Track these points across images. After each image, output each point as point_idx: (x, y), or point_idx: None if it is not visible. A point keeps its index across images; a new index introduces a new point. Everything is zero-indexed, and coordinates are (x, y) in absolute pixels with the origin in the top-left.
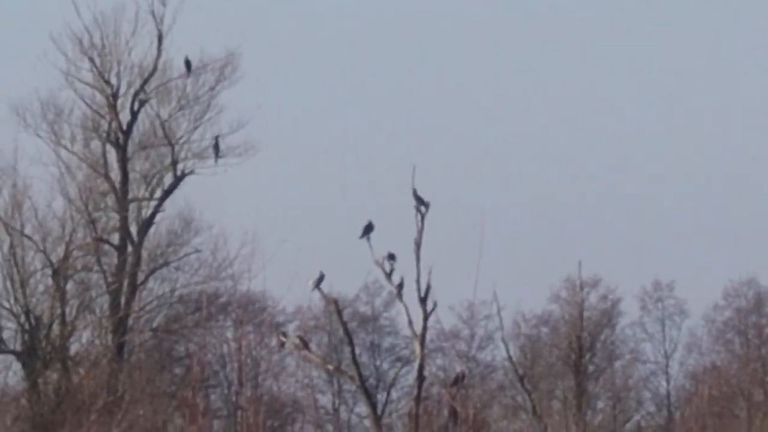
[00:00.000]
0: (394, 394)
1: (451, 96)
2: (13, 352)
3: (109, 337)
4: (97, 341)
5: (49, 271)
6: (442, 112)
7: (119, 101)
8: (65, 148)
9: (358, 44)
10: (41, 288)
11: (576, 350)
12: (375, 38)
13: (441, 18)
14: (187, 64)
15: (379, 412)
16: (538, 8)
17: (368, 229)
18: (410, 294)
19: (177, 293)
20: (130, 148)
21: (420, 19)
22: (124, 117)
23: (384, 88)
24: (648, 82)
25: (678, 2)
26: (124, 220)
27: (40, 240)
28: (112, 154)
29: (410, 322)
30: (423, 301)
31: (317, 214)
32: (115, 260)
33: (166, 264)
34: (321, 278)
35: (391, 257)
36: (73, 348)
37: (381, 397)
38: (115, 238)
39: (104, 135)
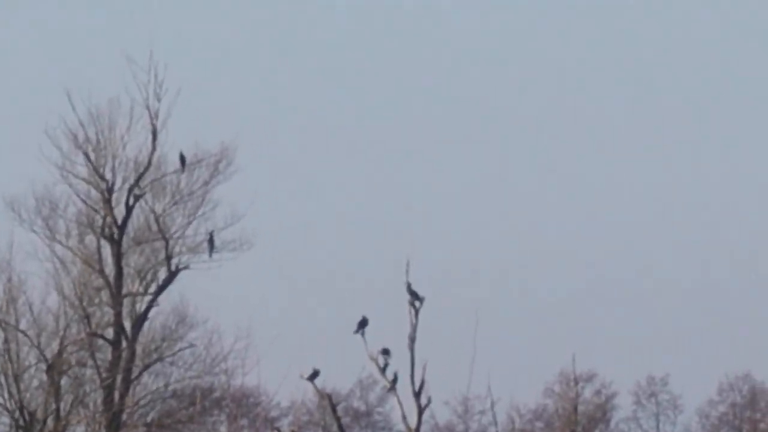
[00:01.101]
0: None
1: (446, 190)
2: None
3: None
4: None
5: (43, 366)
6: (439, 206)
7: (114, 196)
8: (60, 243)
9: (353, 136)
10: (35, 383)
11: None
12: (372, 129)
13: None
14: (182, 158)
15: None
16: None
17: (362, 324)
18: (404, 389)
19: (171, 388)
20: (124, 243)
21: (417, 108)
22: (119, 212)
23: (381, 180)
24: (638, 174)
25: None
26: (118, 316)
27: (34, 335)
28: (106, 249)
29: (404, 417)
30: (417, 395)
31: (311, 308)
32: (110, 355)
33: (161, 359)
34: (315, 374)
35: (386, 352)
36: None
37: None
38: (110, 333)
39: (99, 230)
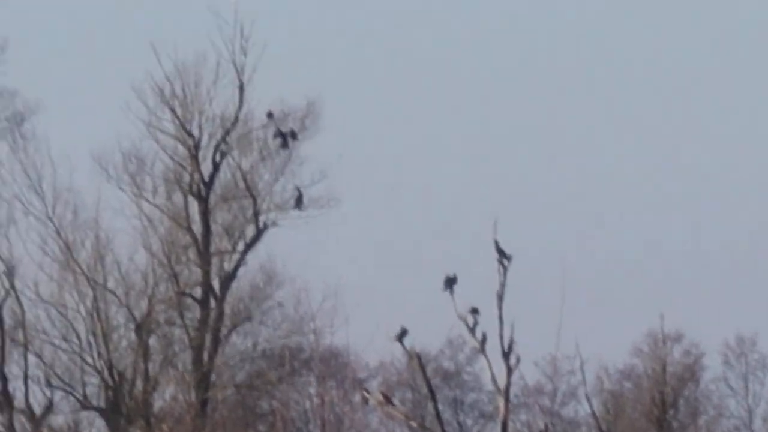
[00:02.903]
0: None
1: (533, 144)
2: (96, 409)
3: (192, 392)
4: (180, 397)
5: (132, 326)
6: (526, 161)
7: (201, 152)
8: (147, 200)
9: (440, 92)
10: (124, 343)
11: (659, 406)
12: (454, 85)
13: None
14: (269, 115)
15: None
16: None
17: (451, 282)
18: (494, 349)
19: (260, 348)
20: (212, 200)
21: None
22: (206, 168)
23: (465, 135)
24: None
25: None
26: (206, 274)
27: (122, 294)
28: (194, 207)
29: (494, 378)
30: (506, 356)
31: (400, 266)
32: (198, 314)
33: (249, 318)
34: (403, 333)
35: (475, 311)
36: (157, 404)
37: None
38: (198, 291)
39: (186, 187)
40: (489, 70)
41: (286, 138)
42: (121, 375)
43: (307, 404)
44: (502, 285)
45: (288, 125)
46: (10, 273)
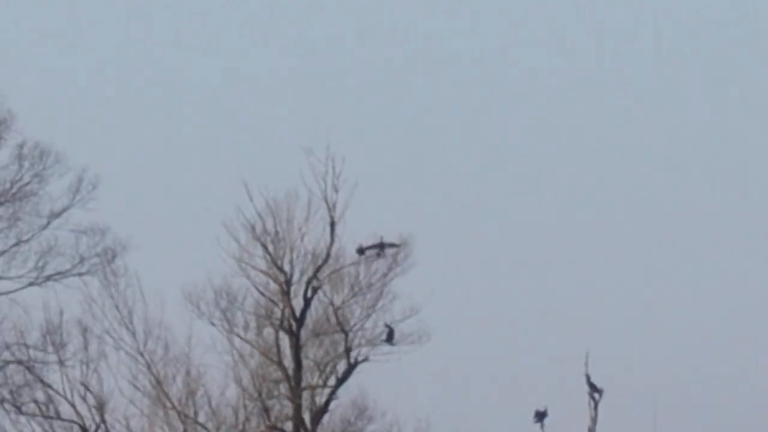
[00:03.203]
0: None
1: (619, 279)
2: None
3: None
4: None
5: None
6: (614, 296)
7: (292, 288)
8: (238, 335)
9: (527, 230)
10: None
11: None
12: (542, 223)
13: None
14: (360, 252)
15: None
16: None
17: (542, 415)
18: None
19: None
20: (303, 336)
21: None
22: (297, 304)
23: (555, 268)
24: None
25: None
26: (297, 408)
27: (213, 428)
28: (285, 342)
29: None
30: None
31: (490, 399)
32: None
33: None
34: None
35: None
36: None
37: None
38: (289, 426)
39: (277, 322)
40: (574, 212)
41: (383, 247)
42: None
43: None
44: (593, 419)
45: (380, 261)
46: (101, 408)
